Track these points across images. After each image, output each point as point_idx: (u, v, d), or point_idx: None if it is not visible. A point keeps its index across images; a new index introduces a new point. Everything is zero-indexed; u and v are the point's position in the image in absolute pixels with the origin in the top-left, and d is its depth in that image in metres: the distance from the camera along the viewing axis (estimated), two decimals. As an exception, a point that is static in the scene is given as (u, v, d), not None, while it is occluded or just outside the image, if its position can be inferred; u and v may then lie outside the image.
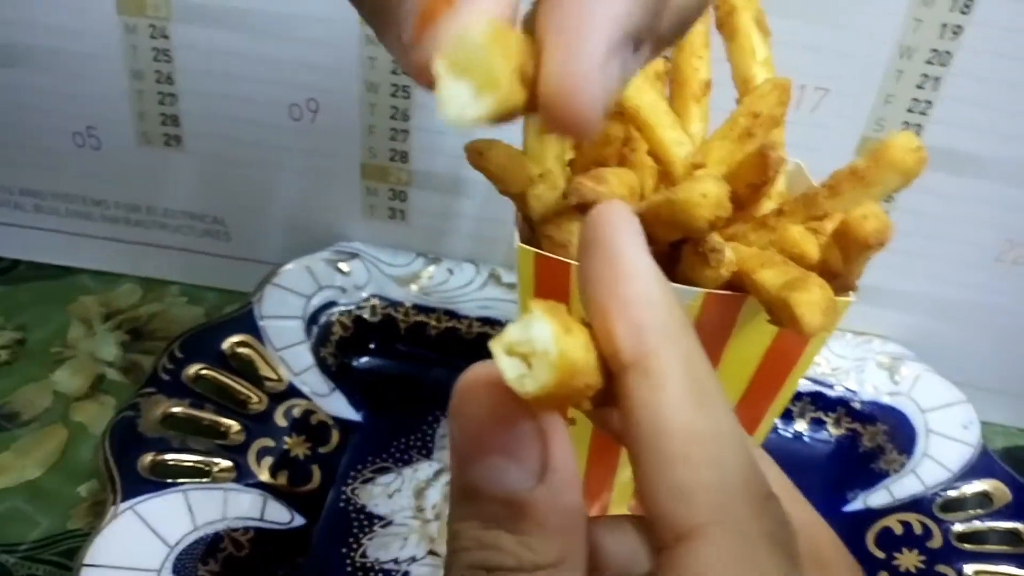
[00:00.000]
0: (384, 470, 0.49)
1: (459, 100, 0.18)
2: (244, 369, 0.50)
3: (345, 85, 0.53)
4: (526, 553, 0.19)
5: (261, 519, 0.44)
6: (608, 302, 0.19)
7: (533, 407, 0.19)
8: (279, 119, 0.54)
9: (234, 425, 0.47)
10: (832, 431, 0.55)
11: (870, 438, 0.53)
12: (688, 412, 0.18)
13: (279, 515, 0.45)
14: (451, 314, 0.56)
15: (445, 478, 0.49)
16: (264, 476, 0.45)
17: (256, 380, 0.50)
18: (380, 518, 0.47)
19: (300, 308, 0.54)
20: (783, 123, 0.36)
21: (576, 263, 0.21)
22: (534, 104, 0.18)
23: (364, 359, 0.56)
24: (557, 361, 0.17)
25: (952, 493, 0.49)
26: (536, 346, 0.17)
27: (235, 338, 0.51)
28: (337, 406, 0.51)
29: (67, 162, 0.58)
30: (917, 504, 0.48)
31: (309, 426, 0.49)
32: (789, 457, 0.52)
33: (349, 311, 0.55)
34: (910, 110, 0.50)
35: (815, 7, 0.48)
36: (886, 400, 0.54)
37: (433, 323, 0.56)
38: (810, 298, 0.28)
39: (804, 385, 0.54)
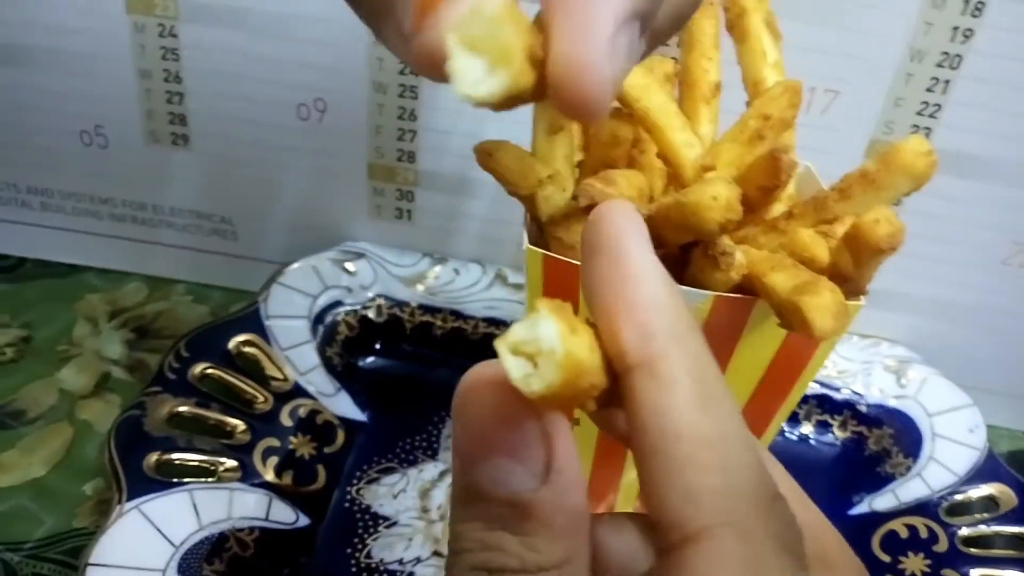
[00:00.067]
0: (389, 470, 0.49)
1: (472, 75, 0.18)
2: (250, 368, 0.50)
3: (353, 85, 0.53)
4: (529, 554, 0.19)
5: (266, 519, 0.44)
6: (614, 304, 0.19)
7: (538, 407, 0.19)
8: (286, 119, 0.54)
9: (240, 425, 0.47)
10: (838, 434, 0.54)
11: (876, 441, 0.53)
12: (696, 415, 0.18)
13: (284, 515, 0.44)
14: (457, 314, 0.56)
15: (450, 479, 0.49)
16: (269, 476, 0.45)
17: (262, 379, 0.50)
18: (385, 518, 0.47)
19: (306, 308, 0.53)
20: (794, 126, 0.36)
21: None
22: (543, 88, 0.18)
23: (370, 359, 0.56)
24: (563, 361, 0.17)
25: (958, 497, 0.49)
26: (542, 345, 0.17)
27: (241, 337, 0.51)
28: (343, 406, 0.51)
29: (74, 161, 0.58)
30: (923, 508, 0.48)
31: (315, 426, 0.49)
32: (795, 460, 0.52)
33: (355, 311, 0.55)
34: (920, 113, 0.50)
35: (825, 9, 0.48)
36: (892, 403, 0.54)
37: (439, 323, 0.56)
38: (821, 302, 0.28)
39: (810, 388, 0.54)
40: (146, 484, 0.42)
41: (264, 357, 0.51)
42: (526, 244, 0.34)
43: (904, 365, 0.55)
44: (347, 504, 0.47)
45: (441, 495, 0.48)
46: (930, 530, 0.47)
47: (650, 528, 0.20)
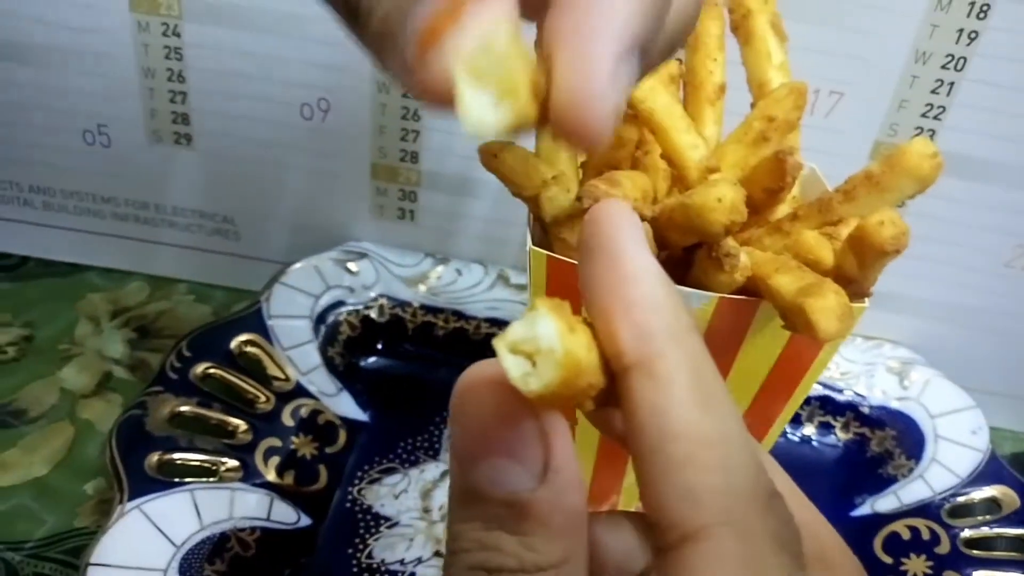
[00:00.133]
0: (391, 471, 0.49)
1: (480, 108, 0.18)
2: (252, 368, 0.50)
3: (356, 85, 0.53)
4: (527, 554, 0.19)
5: (268, 519, 0.44)
6: (611, 304, 0.19)
7: (536, 406, 0.19)
8: (290, 118, 0.54)
9: (241, 424, 0.47)
10: (840, 435, 0.54)
11: (879, 443, 0.53)
12: (695, 414, 0.18)
13: (286, 515, 0.44)
14: (459, 315, 0.56)
15: (452, 479, 0.49)
16: (271, 476, 0.45)
17: (264, 379, 0.50)
18: (386, 519, 0.47)
19: (308, 307, 0.53)
20: (798, 127, 0.36)
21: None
22: (545, 118, 0.19)
23: (372, 359, 0.56)
24: (563, 359, 0.17)
25: (960, 499, 0.48)
26: (541, 344, 0.17)
27: (243, 337, 0.51)
28: (344, 406, 0.51)
29: (77, 159, 0.58)
30: (925, 509, 0.48)
31: (316, 426, 0.49)
32: (797, 461, 0.53)
33: (357, 311, 0.55)
34: (924, 115, 0.50)
35: (830, 11, 0.48)
36: (895, 405, 0.54)
37: (441, 324, 0.56)
38: (825, 304, 0.28)
39: (813, 389, 0.54)
40: (147, 484, 0.42)
41: (266, 357, 0.51)
42: (530, 245, 0.34)
43: (907, 367, 0.55)
44: (348, 504, 0.47)
45: (443, 495, 0.48)
46: (932, 532, 0.47)
47: (647, 527, 0.20)
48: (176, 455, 0.44)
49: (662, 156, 0.35)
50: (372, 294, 0.56)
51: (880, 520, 0.49)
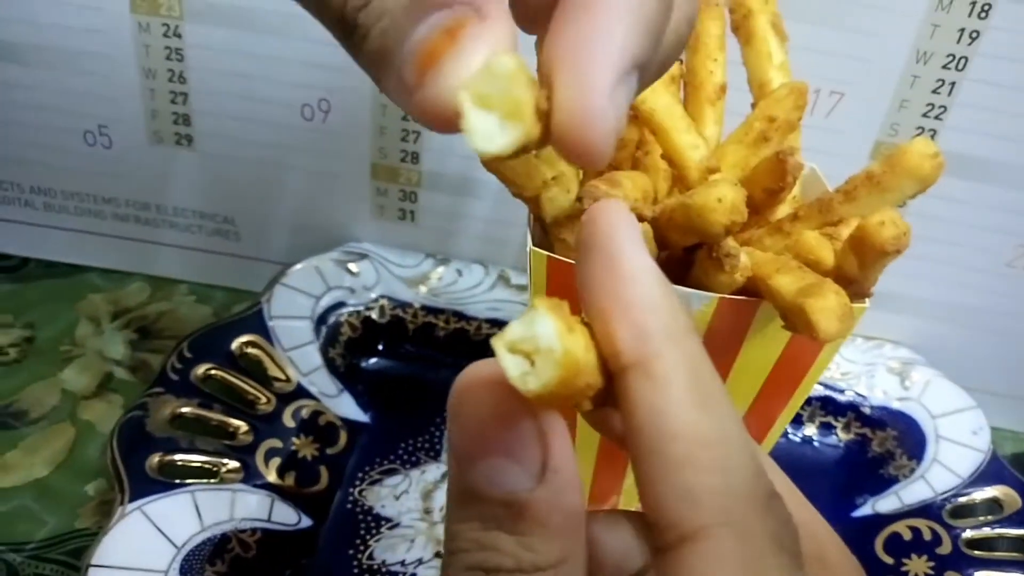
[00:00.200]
0: (392, 472, 0.49)
1: (486, 130, 0.18)
2: (253, 369, 0.50)
3: (357, 85, 0.53)
4: (525, 554, 0.19)
5: (268, 520, 0.44)
6: (609, 304, 0.19)
7: (534, 406, 0.19)
8: (290, 119, 0.54)
9: (242, 426, 0.47)
10: (842, 436, 0.54)
11: (880, 443, 0.53)
12: (693, 415, 0.18)
13: (286, 516, 0.44)
14: (460, 315, 0.56)
15: (453, 480, 0.49)
16: (272, 477, 0.45)
17: (265, 380, 0.50)
18: (387, 520, 0.47)
19: (309, 308, 0.53)
20: (799, 128, 0.36)
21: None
22: (547, 137, 0.19)
23: (372, 360, 0.56)
24: (561, 359, 0.17)
25: (962, 499, 0.48)
26: (540, 343, 0.17)
27: (244, 338, 0.51)
28: (345, 407, 0.51)
29: (78, 160, 0.58)
30: (926, 510, 0.48)
31: (317, 427, 0.49)
32: (798, 462, 0.53)
33: (358, 312, 0.55)
34: (925, 115, 0.50)
35: (831, 11, 0.48)
36: (896, 405, 0.53)
37: (442, 324, 0.56)
38: (826, 304, 0.28)
39: (814, 389, 0.54)
40: (148, 485, 0.42)
41: (267, 358, 0.51)
42: (530, 245, 0.34)
43: (908, 367, 0.55)
44: (349, 505, 0.47)
45: (444, 496, 0.48)
46: (933, 532, 0.47)
47: (646, 526, 0.20)
48: (177, 456, 0.44)
49: (662, 156, 0.35)
50: (373, 295, 0.56)
51: (881, 520, 0.49)
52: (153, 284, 0.61)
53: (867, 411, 0.54)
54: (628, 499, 0.43)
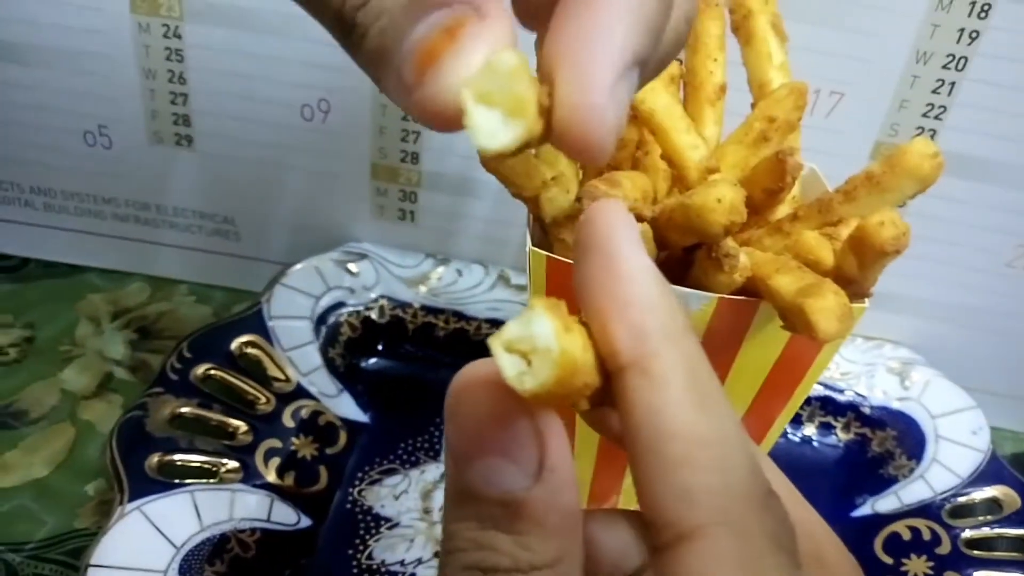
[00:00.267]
0: (391, 471, 0.49)
1: (489, 127, 0.18)
2: (252, 369, 0.50)
3: (356, 85, 0.53)
4: (522, 553, 0.19)
5: (268, 520, 0.44)
6: (606, 304, 0.19)
7: (531, 406, 0.19)
8: (290, 119, 0.54)
9: (242, 426, 0.47)
10: (841, 436, 0.54)
11: (879, 443, 0.53)
12: (691, 414, 0.18)
13: (286, 516, 0.44)
14: (459, 315, 0.56)
15: (453, 480, 0.49)
16: (271, 477, 0.45)
17: (264, 380, 0.50)
18: (387, 520, 0.47)
19: (309, 308, 0.53)
20: (799, 128, 0.36)
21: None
22: (548, 134, 0.19)
23: (372, 360, 0.56)
24: (558, 358, 0.17)
25: (961, 499, 0.48)
26: (537, 343, 0.17)
27: (244, 338, 0.51)
28: (345, 407, 0.51)
29: (78, 161, 0.58)
30: (926, 510, 0.48)
31: (317, 427, 0.49)
32: (798, 462, 0.53)
33: (358, 312, 0.55)
34: (925, 115, 0.50)
35: (831, 11, 0.48)
36: (896, 405, 0.54)
37: (441, 324, 0.56)
38: (825, 304, 0.28)
39: (814, 389, 0.54)
40: (148, 485, 0.42)
41: (266, 358, 0.51)
42: (529, 246, 0.34)
43: (908, 367, 0.55)
44: (349, 505, 0.47)
45: (443, 496, 0.48)
46: (933, 532, 0.47)
47: (643, 525, 0.20)
48: (176, 456, 0.44)
49: (662, 156, 0.35)
50: (373, 295, 0.56)
51: (881, 520, 0.49)
52: (153, 284, 0.61)
53: (867, 411, 0.54)
54: (628, 499, 0.43)
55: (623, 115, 0.19)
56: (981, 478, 0.49)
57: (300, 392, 0.50)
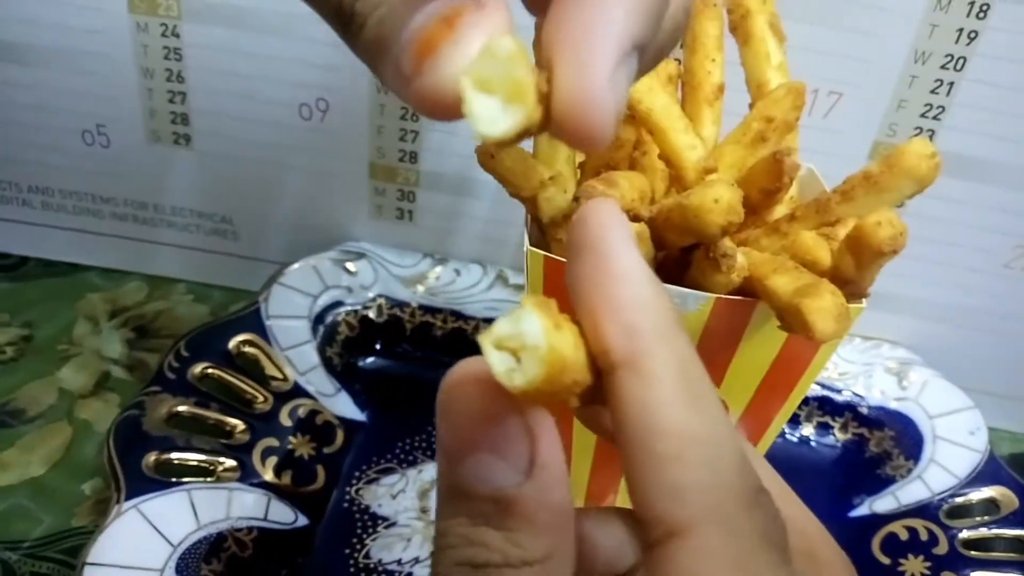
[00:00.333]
0: (388, 471, 0.49)
1: (488, 114, 0.18)
2: (250, 368, 0.50)
3: (355, 85, 0.53)
4: (513, 549, 0.19)
5: (265, 519, 0.44)
6: (598, 302, 0.19)
7: (522, 403, 0.19)
8: (288, 118, 0.54)
9: (239, 424, 0.47)
10: (839, 436, 0.54)
11: (877, 443, 0.53)
12: (681, 412, 0.18)
13: (283, 515, 0.44)
14: (457, 315, 0.56)
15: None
16: (268, 476, 0.45)
17: (262, 379, 0.50)
18: (384, 519, 0.47)
19: (306, 308, 0.53)
20: (797, 128, 0.36)
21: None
22: (547, 121, 0.19)
23: (370, 359, 0.56)
24: (547, 355, 0.18)
25: (959, 499, 0.48)
26: (526, 340, 0.18)
27: (241, 337, 0.51)
28: (342, 406, 0.51)
29: (76, 160, 0.58)
30: (923, 510, 0.48)
31: (314, 426, 0.49)
32: (795, 461, 0.53)
33: (355, 311, 0.55)
34: (923, 115, 0.50)
35: (830, 11, 0.48)
36: (893, 405, 0.53)
37: (439, 324, 0.56)
38: (822, 304, 0.28)
39: (811, 389, 0.54)
40: (145, 483, 0.42)
41: (264, 357, 0.50)
42: (527, 245, 0.34)
43: (905, 367, 0.55)
44: (346, 504, 0.47)
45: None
46: (930, 532, 0.47)
47: (636, 523, 0.20)
48: (173, 455, 0.44)
49: (660, 157, 0.35)
50: (370, 294, 0.56)
51: (878, 521, 0.49)
52: (151, 283, 0.61)
53: (864, 411, 0.54)
54: (625, 499, 0.43)
55: (622, 101, 0.19)
56: (979, 478, 0.49)
57: (297, 391, 0.50)
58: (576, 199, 0.33)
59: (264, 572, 0.42)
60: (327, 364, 0.52)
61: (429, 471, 0.49)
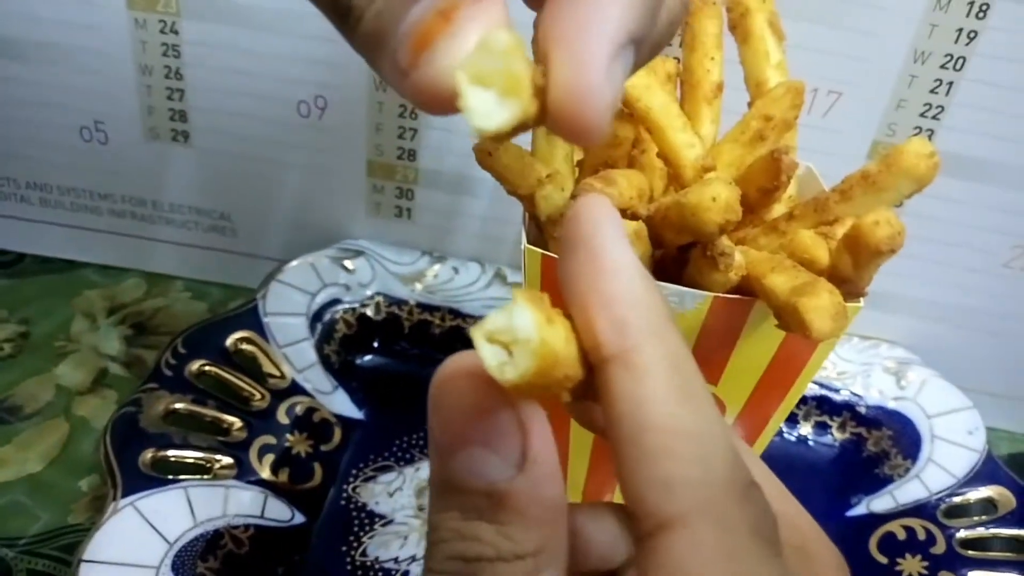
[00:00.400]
0: (386, 468, 0.49)
1: (484, 108, 0.18)
2: (247, 366, 0.50)
3: (353, 82, 0.53)
4: (505, 543, 0.19)
5: (262, 516, 0.43)
6: (590, 297, 0.19)
7: (514, 397, 0.19)
8: (287, 115, 0.54)
9: (236, 422, 0.47)
10: (837, 435, 0.54)
11: (875, 443, 0.53)
12: (672, 407, 0.18)
13: (280, 513, 0.44)
14: (455, 313, 0.56)
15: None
16: (265, 473, 0.45)
17: (259, 377, 0.50)
18: (381, 516, 0.47)
19: (304, 305, 0.53)
20: (795, 127, 0.36)
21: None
22: (543, 115, 0.19)
23: (367, 357, 0.56)
24: (538, 349, 0.18)
25: (956, 499, 0.48)
26: (518, 333, 0.18)
27: (239, 334, 0.51)
28: (340, 404, 0.51)
29: (74, 156, 0.57)
30: (921, 510, 0.48)
31: (311, 424, 0.49)
32: (793, 461, 0.53)
33: (353, 309, 0.55)
34: (922, 115, 0.50)
35: (829, 10, 0.48)
36: (892, 405, 0.54)
37: (437, 322, 0.56)
38: (819, 303, 0.28)
39: (810, 389, 0.54)
40: (141, 481, 0.42)
41: (262, 354, 0.50)
42: (525, 243, 0.33)
43: (904, 367, 0.55)
44: (343, 502, 0.47)
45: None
46: (928, 532, 0.47)
47: (628, 517, 0.20)
48: (170, 452, 0.44)
49: (658, 155, 0.35)
50: (368, 292, 0.56)
51: (876, 520, 0.49)
52: (149, 280, 0.61)
53: (863, 410, 0.54)
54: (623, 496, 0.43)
55: (618, 95, 0.19)
56: (976, 478, 0.49)
57: (295, 389, 0.50)
58: (574, 197, 0.33)
59: (261, 570, 0.42)
60: (325, 362, 0.52)
61: (426, 469, 0.49)
